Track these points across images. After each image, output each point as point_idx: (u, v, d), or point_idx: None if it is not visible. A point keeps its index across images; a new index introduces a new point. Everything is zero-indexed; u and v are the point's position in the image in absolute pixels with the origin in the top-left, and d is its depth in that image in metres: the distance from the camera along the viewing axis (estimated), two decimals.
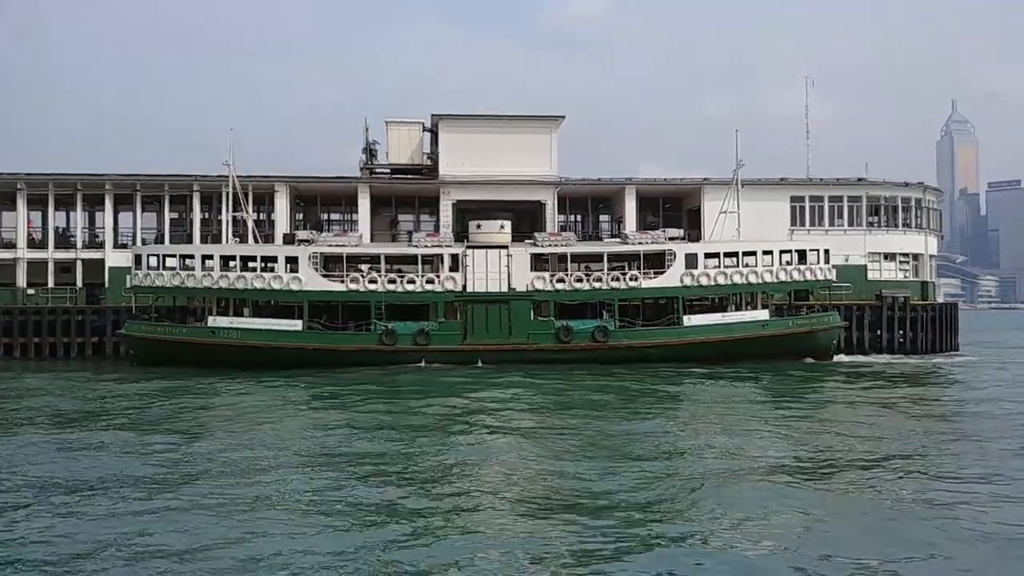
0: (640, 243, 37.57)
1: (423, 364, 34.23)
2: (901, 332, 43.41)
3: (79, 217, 44.80)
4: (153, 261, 36.79)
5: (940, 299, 50.40)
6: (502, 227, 37.36)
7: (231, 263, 36.48)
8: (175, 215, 45.21)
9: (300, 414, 22.38)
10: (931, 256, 48.09)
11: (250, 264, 36.60)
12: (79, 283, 42.84)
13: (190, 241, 42.77)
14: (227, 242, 41.33)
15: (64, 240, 44.70)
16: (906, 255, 46.68)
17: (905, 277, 46.37)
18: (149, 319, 37.27)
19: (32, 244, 43.75)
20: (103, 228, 44.60)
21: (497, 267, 35.76)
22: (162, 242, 43.30)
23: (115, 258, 42.66)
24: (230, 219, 40.08)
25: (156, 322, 36.85)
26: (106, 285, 42.36)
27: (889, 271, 46.22)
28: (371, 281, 35.64)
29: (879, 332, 43.00)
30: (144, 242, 43.22)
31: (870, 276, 45.28)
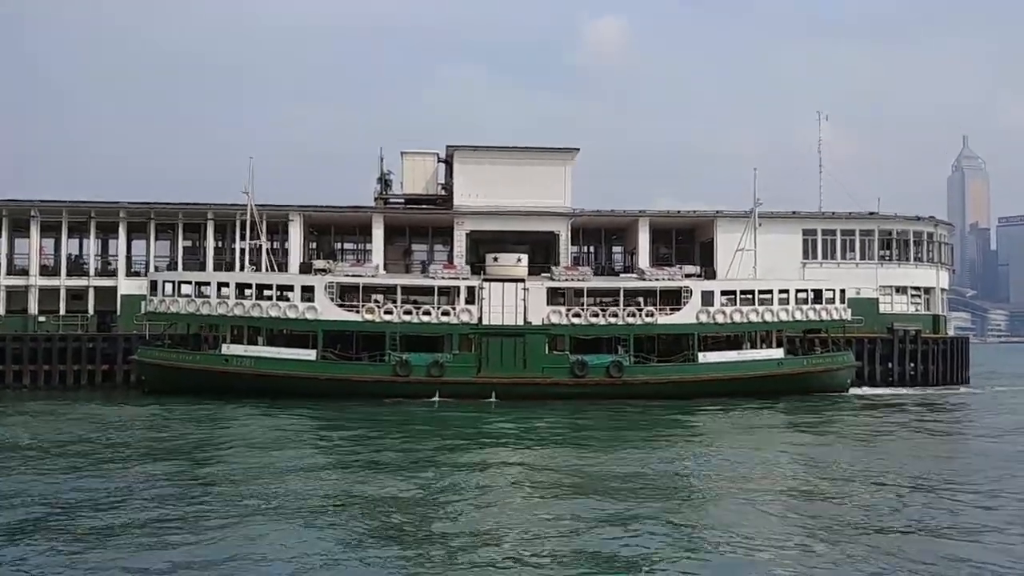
0: (657, 279, 37.65)
1: (437, 396, 34.06)
2: (912, 365, 43.46)
3: (92, 244, 44.81)
4: (169, 288, 36.81)
5: (951, 332, 50.38)
6: (519, 260, 37.38)
7: (246, 291, 36.48)
8: (188, 243, 45.27)
9: (313, 447, 22.23)
10: (942, 289, 48.16)
11: (265, 292, 36.61)
12: (91, 310, 42.77)
13: (203, 269, 42.81)
14: (241, 270, 41.37)
15: (77, 267, 44.67)
16: (917, 288, 46.77)
17: (917, 310, 46.43)
18: (162, 345, 37.23)
19: (44, 271, 43.74)
20: (116, 256, 44.61)
21: (513, 300, 35.74)
22: (175, 270, 43.33)
23: (127, 285, 42.65)
24: (246, 247, 40.09)
25: (169, 349, 36.80)
26: (118, 312, 42.29)
27: (901, 304, 46.33)
28: (387, 312, 35.61)
29: (890, 365, 43.03)
30: (157, 270, 43.23)
31: (882, 309, 45.40)
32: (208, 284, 36.96)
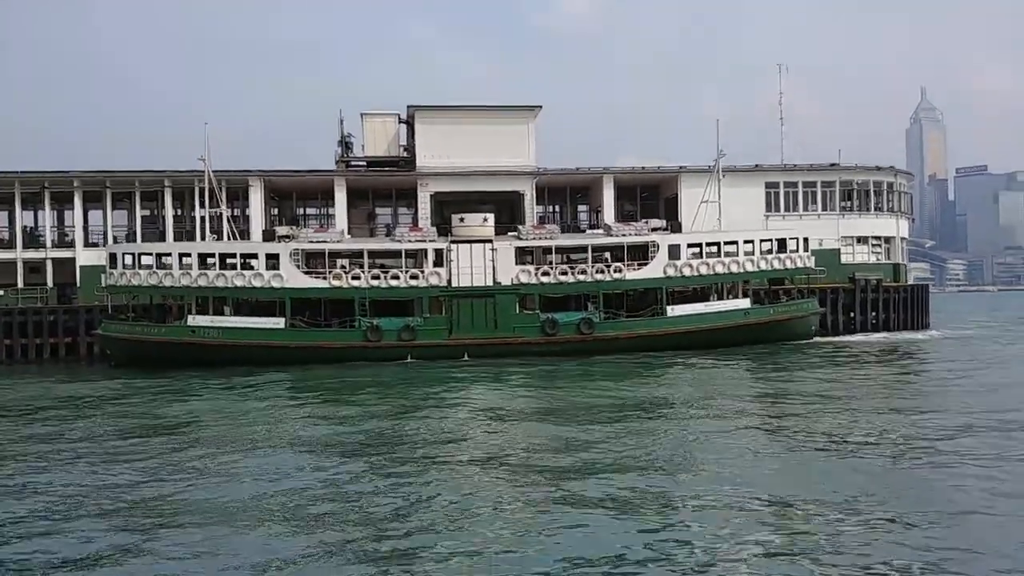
0: (624, 235, 37.78)
1: (409, 360, 34.08)
2: (874, 313, 44.35)
3: (47, 216, 43.62)
4: (128, 260, 36.11)
5: (911, 281, 51.39)
6: (485, 220, 37.21)
7: (209, 260, 35.85)
8: (147, 212, 44.33)
9: (287, 414, 22.13)
10: (902, 239, 49.00)
11: (228, 261, 36.05)
12: (50, 283, 41.80)
13: (163, 238, 41.99)
14: (202, 239, 40.63)
15: (33, 239, 43.54)
16: (878, 238, 47.52)
17: (878, 260, 47.22)
18: (126, 319, 36.59)
19: (0, 244, 42.57)
20: (73, 227, 43.57)
21: (482, 261, 35.65)
22: (134, 240, 42.38)
23: (86, 256, 41.74)
24: (205, 215, 39.33)
25: (134, 322, 36.20)
26: (78, 284, 41.42)
27: (862, 254, 47.06)
28: (354, 277, 35.33)
29: (852, 314, 43.85)
30: (116, 240, 42.28)
31: (843, 259, 46.08)
32: (169, 255, 36.28)
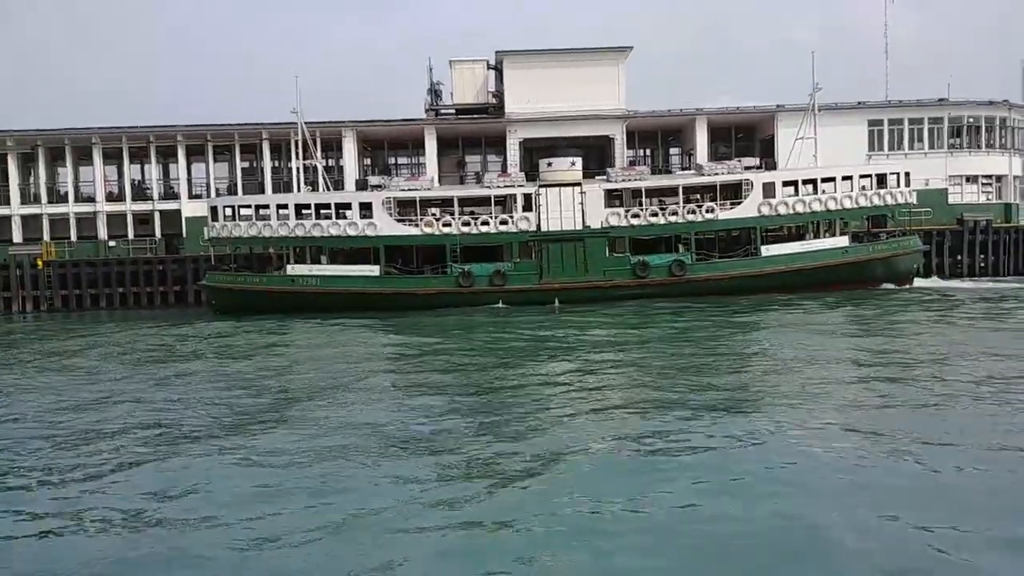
0: (716, 174, 36.89)
1: (500, 304, 34.43)
2: (983, 256, 42.25)
3: (153, 169, 45.57)
4: (228, 212, 37.42)
5: None
6: (572, 164, 36.85)
7: (304, 211, 36.86)
8: (246, 164, 45.80)
9: (385, 353, 22.82)
10: (1016, 177, 46.29)
11: (323, 212, 36.95)
12: (158, 234, 43.91)
13: (262, 190, 43.35)
14: (298, 190, 41.72)
15: (141, 192, 45.66)
16: (988, 177, 45.09)
17: (988, 200, 44.85)
18: (229, 269, 38.06)
19: (110, 198, 44.79)
20: (177, 180, 45.39)
21: (571, 205, 35.47)
22: (235, 192, 43.99)
23: (191, 208, 43.54)
24: (300, 167, 40.36)
25: (236, 272, 37.62)
26: (184, 235, 43.34)
27: (971, 194, 44.80)
28: (445, 224, 35.73)
29: (959, 257, 41.90)
30: (218, 192, 43.95)
31: (951, 200, 43.95)
32: (267, 207, 37.39)
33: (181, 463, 11.46)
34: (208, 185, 44.46)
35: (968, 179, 44.80)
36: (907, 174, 37.67)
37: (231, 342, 26.01)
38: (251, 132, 44.19)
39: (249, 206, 37.56)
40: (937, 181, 43.40)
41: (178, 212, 44.02)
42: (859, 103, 44.49)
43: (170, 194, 45.64)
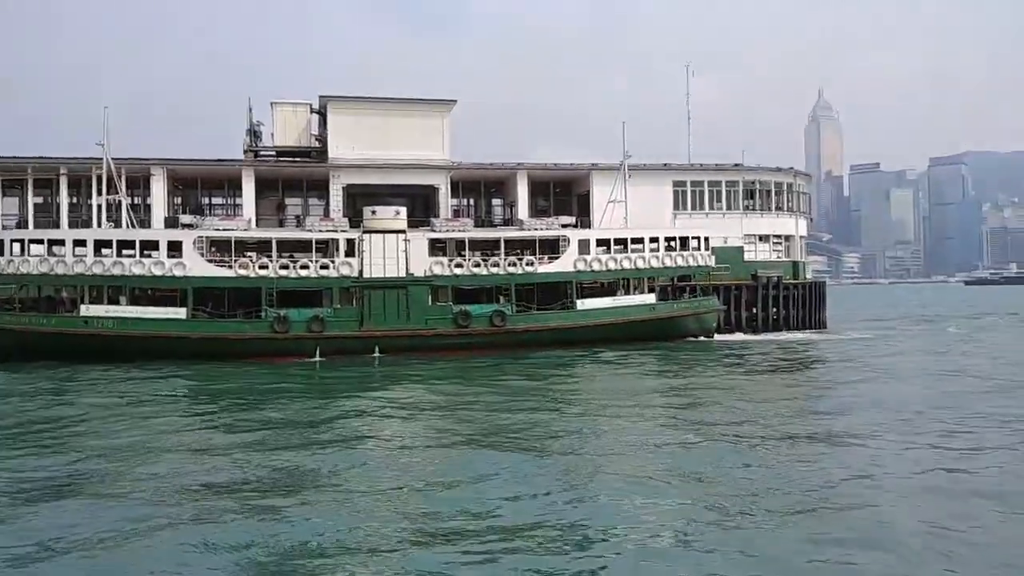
0: (536, 230, 38.26)
1: (318, 354, 33.31)
2: (775, 310, 45.95)
3: None
4: (17, 248, 34.27)
5: (809, 275, 53.44)
6: (397, 213, 36.76)
7: (104, 249, 34.28)
8: (40, 200, 42.13)
9: (190, 414, 21.09)
10: (801, 237, 50.94)
11: (125, 250, 34.57)
12: None
13: (57, 227, 39.96)
14: (100, 227, 38.85)
15: None
16: (779, 236, 49.28)
17: (778, 257, 48.95)
18: (13, 309, 34.64)
19: None
20: None
21: (395, 252, 35.31)
22: (25, 228, 40.26)
23: None
24: (103, 202, 37.63)
25: (21, 313, 34.28)
26: None
27: (764, 252, 48.71)
28: (262, 267, 34.44)
29: (755, 310, 45.34)
30: (5, 228, 40.04)
31: (747, 257, 47.59)
32: (62, 243, 34.53)
33: None
34: None
35: (761, 238, 48.76)
36: (707, 239, 40.98)
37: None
38: (48, 167, 40.80)
39: (41, 241, 34.53)
40: (734, 239, 46.91)
41: None
42: (664, 164, 47.54)
43: None
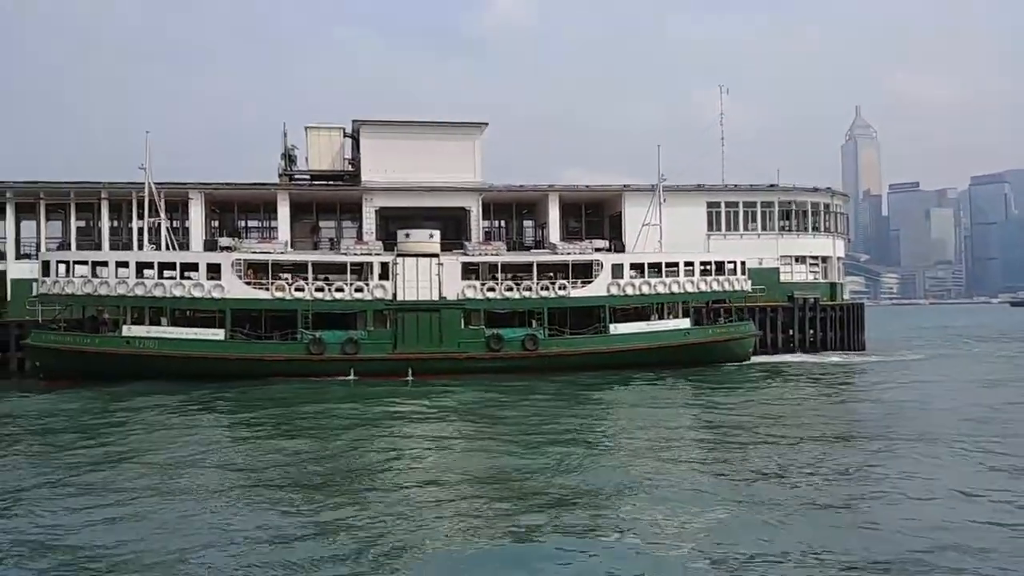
0: (568, 253, 38.14)
1: (352, 374, 33.63)
2: (812, 332, 45.37)
3: None
4: (62, 269, 35.02)
5: (847, 297, 52.74)
6: (431, 236, 37.04)
7: (146, 271, 34.99)
8: (82, 223, 43.08)
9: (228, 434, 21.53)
10: (839, 258, 50.32)
11: (166, 272, 35.20)
12: None
13: (99, 249, 40.84)
14: (141, 249, 39.61)
15: None
16: (816, 257, 48.72)
17: (815, 279, 48.38)
18: (57, 329, 35.40)
19: None
20: (4, 238, 42.08)
21: (428, 275, 35.52)
22: (69, 250, 41.20)
23: (17, 269, 40.37)
24: (144, 225, 38.40)
25: (66, 332, 35.03)
26: (8, 298, 40.00)
27: (800, 273, 48.16)
28: (298, 289, 34.86)
29: (791, 332, 44.80)
30: (48, 251, 41.00)
31: (783, 278, 47.07)
32: (105, 264, 35.27)
33: None
34: (38, 244, 41.40)
35: (797, 259, 48.23)
36: (743, 263, 40.49)
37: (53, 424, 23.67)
38: (89, 191, 41.76)
39: (86, 262, 35.28)
40: (770, 260, 46.47)
41: (3, 273, 40.66)
42: (698, 186, 47.32)
43: None
